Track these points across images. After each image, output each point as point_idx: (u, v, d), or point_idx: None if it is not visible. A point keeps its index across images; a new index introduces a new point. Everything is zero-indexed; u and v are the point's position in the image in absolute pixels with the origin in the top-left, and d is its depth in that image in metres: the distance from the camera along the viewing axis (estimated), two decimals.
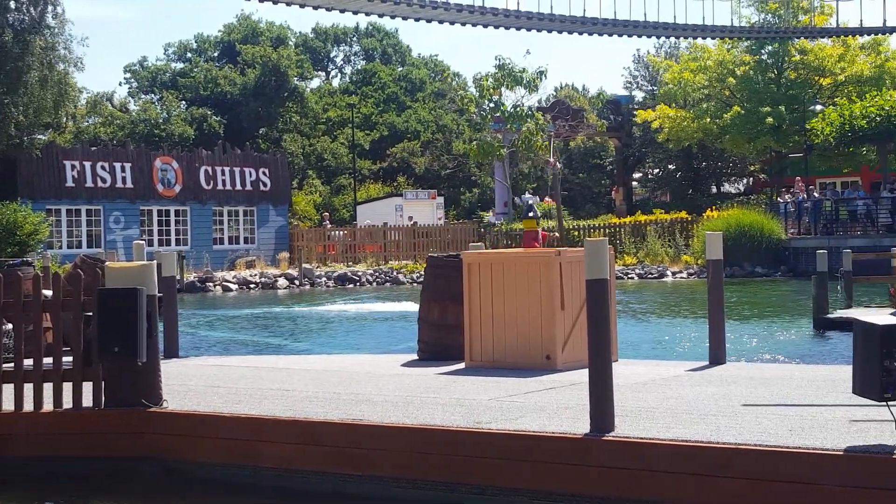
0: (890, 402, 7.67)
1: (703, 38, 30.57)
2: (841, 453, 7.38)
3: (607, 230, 51.85)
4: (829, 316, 22.31)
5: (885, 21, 31.32)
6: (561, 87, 78.10)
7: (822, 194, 49.93)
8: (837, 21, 38.85)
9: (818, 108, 52.80)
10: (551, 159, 31.84)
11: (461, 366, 12.45)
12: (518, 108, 54.55)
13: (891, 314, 7.81)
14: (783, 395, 9.82)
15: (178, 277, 23.14)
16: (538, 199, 34.86)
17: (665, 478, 7.85)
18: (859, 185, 51.93)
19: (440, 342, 13.04)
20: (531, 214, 32.44)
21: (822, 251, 24.03)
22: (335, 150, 73.20)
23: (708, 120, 56.45)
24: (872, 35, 43.31)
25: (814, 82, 57.03)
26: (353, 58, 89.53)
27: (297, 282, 47.15)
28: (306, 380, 11.75)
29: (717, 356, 12.14)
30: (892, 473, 7.18)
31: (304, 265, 48.65)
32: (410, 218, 56.49)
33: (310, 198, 67.91)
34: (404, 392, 10.57)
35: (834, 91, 57.14)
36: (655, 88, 70.19)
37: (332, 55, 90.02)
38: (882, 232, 41.95)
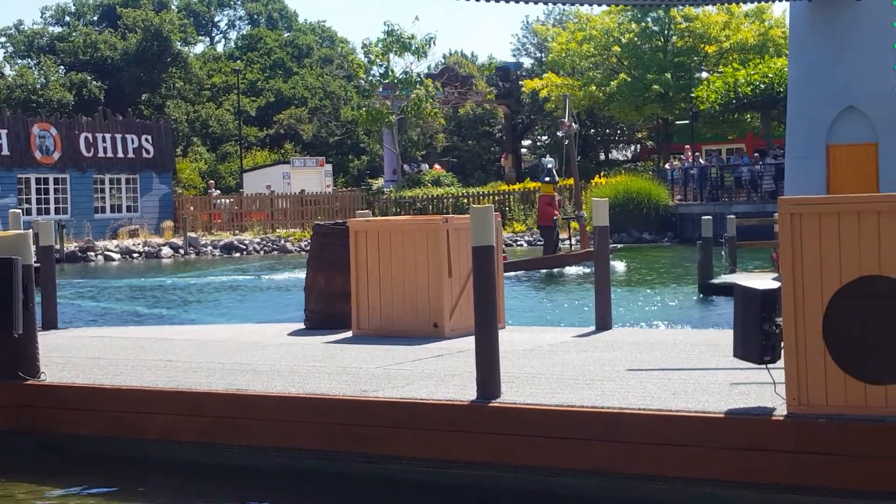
0: (769, 365, 7.77)
1: (591, 5, 30.68)
2: (722, 416, 7.46)
3: (496, 197, 52.04)
4: (714, 281, 22.64)
5: None
6: (450, 54, 78.00)
7: (708, 161, 50.72)
8: None
9: (704, 75, 53.63)
10: (566, 120, 31.28)
11: (349, 334, 12.35)
12: (407, 75, 54.38)
13: (772, 279, 7.89)
14: (668, 359, 9.91)
15: (57, 247, 22.61)
16: (555, 162, 34.53)
17: (551, 443, 7.86)
18: (744, 152, 52.80)
19: (327, 311, 12.92)
20: (548, 179, 32.01)
21: (707, 217, 24.35)
22: (220, 117, 72.22)
23: (595, 88, 56.87)
24: (756, 3, 43.99)
25: (699, 50, 57.76)
26: (237, 22, 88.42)
27: (181, 251, 46.52)
28: (190, 350, 11.54)
29: (603, 322, 12.21)
30: (772, 434, 7.28)
31: (189, 234, 47.99)
32: (302, 191, 55.95)
33: (195, 165, 66.98)
34: (290, 361, 10.45)
35: (719, 59, 57.96)
36: (544, 56, 70.52)
37: (216, 20, 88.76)
38: (766, 198, 42.75)
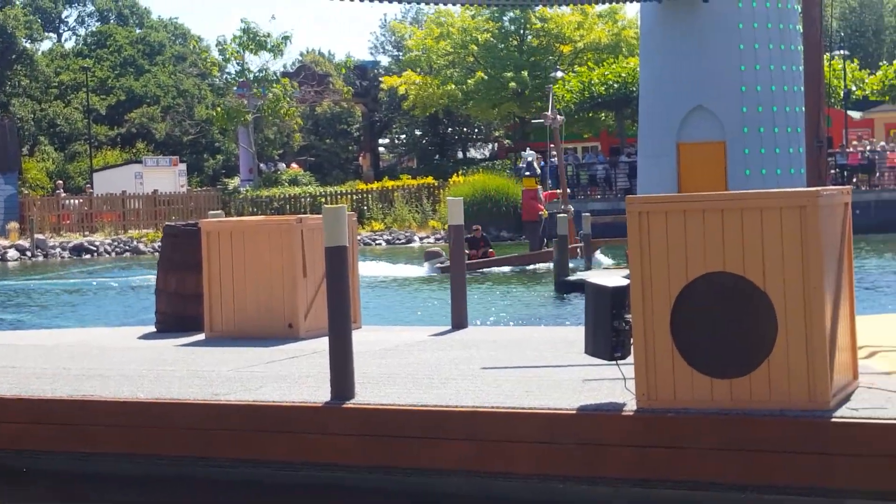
0: (620, 361, 7.87)
1: (445, 4, 30.82)
2: (574, 412, 7.52)
3: (354, 196, 51.90)
4: (570, 278, 22.92)
5: None
6: (307, 52, 77.56)
7: (564, 159, 51.33)
8: None
9: (559, 74, 54.21)
10: (549, 112, 30.83)
11: (201, 337, 12.15)
12: (264, 73, 53.88)
13: (623, 276, 8.00)
14: (522, 357, 9.96)
15: None
16: (537, 155, 34.07)
17: (406, 442, 7.84)
18: (599, 150, 53.66)
19: (179, 313, 12.69)
20: (528, 173, 31.48)
21: (562, 215, 24.67)
22: (69, 116, 70.42)
23: (452, 86, 57.13)
24: (609, 4, 44.75)
25: (555, 49, 58.49)
26: (87, 19, 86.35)
27: (28, 253, 45.29)
28: (35, 356, 11.21)
29: (459, 321, 12.23)
30: (622, 429, 7.38)
31: (36, 236, 46.73)
32: (155, 191, 54.90)
33: (42, 165, 65.22)
34: (139, 365, 10.22)
35: (574, 58, 58.76)
36: (401, 54, 70.60)
37: (64, 16, 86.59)
38: (620, 195, 43.47)
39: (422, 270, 29.81)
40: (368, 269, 27.40)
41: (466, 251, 24.55)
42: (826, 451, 6.93)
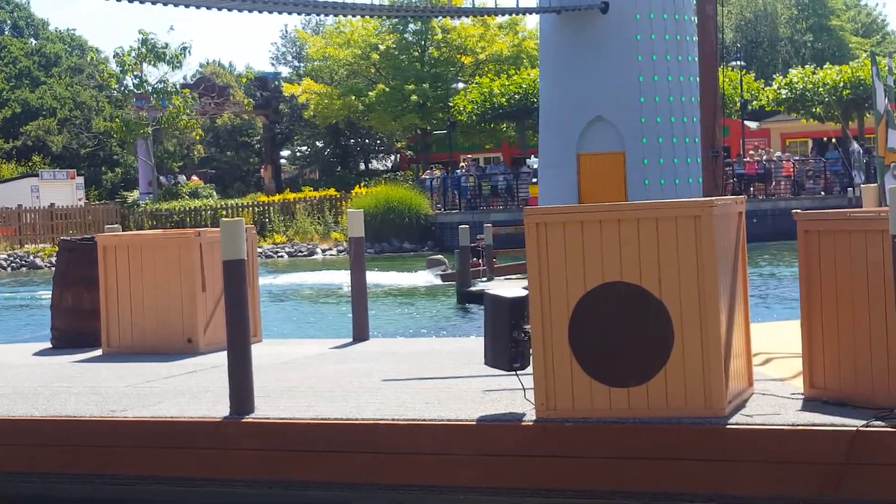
0: (519, 372, 7.91)
1: (345, 15, 30.79)
2: (474, 423, 7.54)
3: (256, 209, 51.54)
4: (472, 289, 22.99)
5: (517, 2, 32.50)
6: (207, 64, 76.88)
7: (466, 170, 51.52)
8: (474, 1, 40.07)
9: (460, 85, 54.47)
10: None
11: (98, 353, 11.95)
12: (163, 85, 53.30)
13: (523, 287, 8.05)
14: (423, 368, 9.96)
15: None
16: (537, 163, 33.36)
17: (306, 456, 7.79)
18: (501, 161, 53.95)
19: (75, 329, 12.47)
20: (535, 180, 30.82)
21: (464, 226, 24.74)
22: None
23: (354, 97, 57.02)
24: (509, 15, 45.09)
25: (456, 60, 58.69)
26: None
27: None
28: None
29: (360, 333, 12.19)
30: (522, 439, 7.41)
31: None
32: (52, 205, 53.90)
33: None
34: (34, 382, 10.02)
35: (475, 69, 59.02)
36: (303, 65, 70.32)
37: None
38: (522, 206, 43.69)
39: (424, 278, 29.75)
40: (373, 279, 27.15)
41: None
42: (722, 457, 7.02)
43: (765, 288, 23.95)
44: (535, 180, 31.31)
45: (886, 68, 12.89)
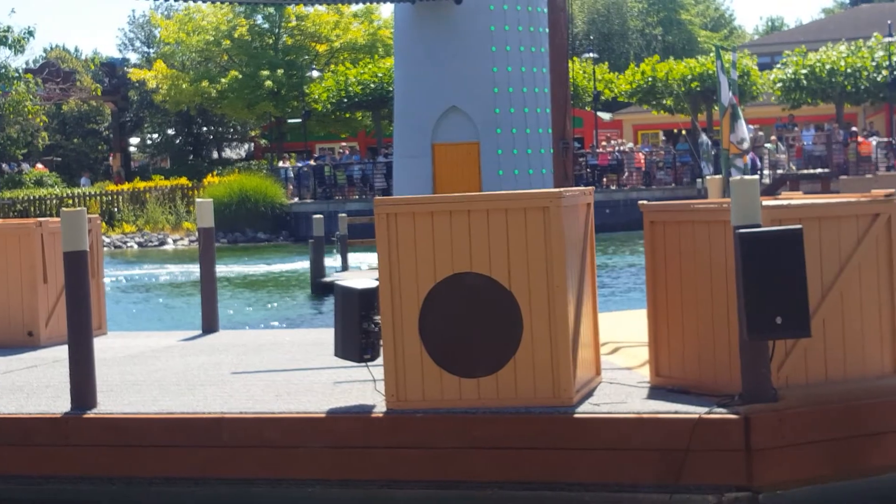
0: (370, 363, 7.86)
1: (196, 1, 30.29)
2: (324, 415, 7.47)
3: (104, 198, 50.41)
4: (325, 279, 22.84)
5: None
6: (52, 48, 74.80)
7: (321, 160, 51.20)
8: None
9: (315, 74, 54.01)
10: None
11: None
12: (5, 70, 51.67)
13: (374, 278, 8.00)
14: (273, 360, 9.85)
15: None
16: None
17: (150, 452, 7.63)
18: (356, 150, 53.71)
19: None
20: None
21: (318, 216, 24.57)
22: None
23: (206, 83, 56.07)
24: (364, 4, 44.93)
25: (311, 48, 58.18)
26: None
27: None
28: None
29: (210, 324, 12.01)
30: (371, 431, 7.37)
31: None
32: None
33: None
34: None
35: (330, 57, 58.63)
36: (153, 50, 68.97)
37: None
38: (378, 195, 43.58)
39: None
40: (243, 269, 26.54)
41: None
42: (569, 445, 7.09)
43: (616, 277, 24.32)
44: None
45: (730, 62, 13.16)
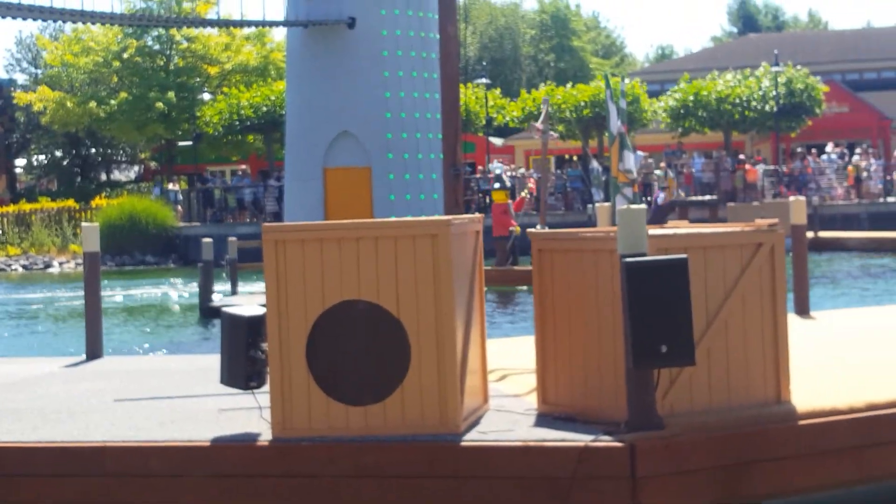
0: (256, 391, 7.77)
1: (84, 23, 29.89)
2: (208, 444, 7.35)
3: None
4: (214, 304, 22.55)
5: (264, 15, 32.29)
6: None
7: (212, 182, 50.76)
8: (219, 13, 39.58)
9: (206, 96, 53.55)
10: (539, 124, 27.77)
11: None
12: None
13: (261, 304, 7.92)
14: (159, 387, 9.68)
15: None
16: (505, 167, 30.61)
17: (29, 482, 7.43)
18: (248, 173, 53.32)
19: None
20: (497, 185, 28.83)
21: (207, 240, 24.29)
22: None
23: (94, 105, 55.16)
24: (255, 27, 44.70)
25: (202, 70, 57.65)
26: None
27: None
28: None
29: (94, 350, 11.78)
30: (256, 459, 7.27)
31: None
32: None
33: None
34: None
35: (222, 80, 58.17)
36: (40, 71, 67.73)
37: None
38: (269, 219, 43.31)
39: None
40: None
41: None
42: (456, 474, 7.07)
43: (506, 303, 24.46)
44: (497, 185, 30.03)
45: (619, 91, 13.36)
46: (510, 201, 29.50)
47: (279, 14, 31.27)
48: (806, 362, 9.11)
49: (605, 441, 6.97)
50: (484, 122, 52.12)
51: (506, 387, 8.96)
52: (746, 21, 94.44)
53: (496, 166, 34.93)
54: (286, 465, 7.22)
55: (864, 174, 43.74)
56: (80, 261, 44.12)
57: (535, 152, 60.16)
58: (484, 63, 66.45)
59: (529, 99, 51.55)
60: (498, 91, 58.44)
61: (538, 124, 27.34)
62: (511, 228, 28.04)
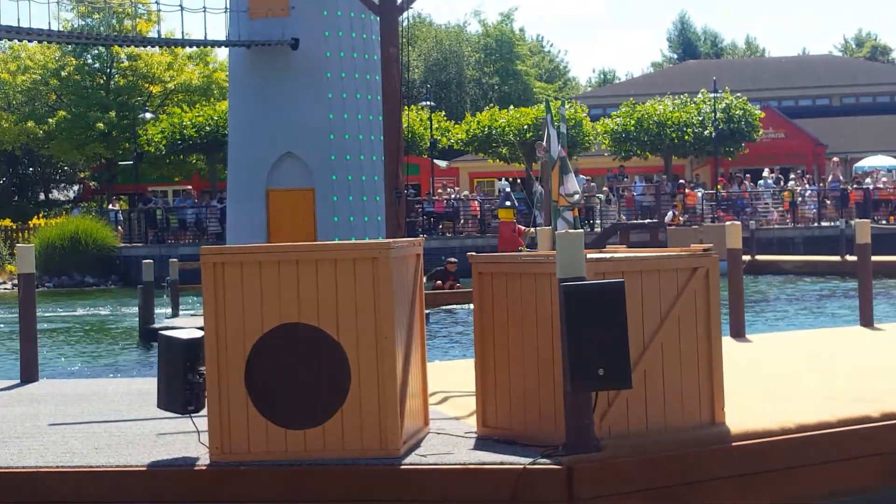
0: (194, 415, 7.72)
1: (21, 40, 29.61)
2: (145, 469, 7.29)
3: None
4: (155, 326, 22.32)
5: (206, 35, 32.15)
6: None
7: (153, 202, 50.33)
8: (160, 31, 39.35)
9: (148, 115, 53.19)
10: (544, 143, 27.21)
11: None
12: None
13: (199, 328, 7.88)
14: (95, 411, 9.59)
15: None
16: (517, 182, 29.48)
17: None
18: (190, 194, 52.98)
19: None
20: (508, 203, 28.09)
21: (147, 261, 24.06)
22: None
23: (32, 123, 54.54)
24: (197, 47, 44.48)
25: (144, 89, 57.27)
26: None
27: None
28: None
29: (29, 373, 11.63)
30: (194, 484, 7.23)
31: None
32: None
33: None
34: None
35: (164, 99, 57.82)
36: None
37: None
38: (211, 240, 43.03)
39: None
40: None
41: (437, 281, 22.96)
42: (395, 497, 7.07)
43: (449, 326, 24.46)
44: (508, 203, 29.50)
45: (559, 115, 13.44)
46: (515, 219, 29.10)
47: (221, 34, 31.17)
48: (741, 385, 9.22)
49: (544, 464, 7.00)
50: (429, 144, 52.20)
51: (447, 409, 8.98)
52: (686, 47, 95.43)
53: (504, 184, 34.74)
54: (225, 489, 7.19)
55: (799, 199, 44.32)
56: (16, 282, 43.56)
57: (479, 175, 60.40)
58: (429, 86, 66.58)
59: (474, 122, 51.69)
60: (443, 114, 58.58)
61: (543, 143, 27.44)
62: (521, 248, 28.03)
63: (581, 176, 34.22)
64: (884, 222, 41.23)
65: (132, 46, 50.07)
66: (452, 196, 47.55)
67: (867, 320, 14.63)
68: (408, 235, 10.41)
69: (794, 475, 7.76)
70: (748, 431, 7.74)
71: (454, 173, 60.84)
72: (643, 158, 50.94)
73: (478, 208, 46.20)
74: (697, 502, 7.40)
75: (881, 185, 44.66)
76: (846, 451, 7.99)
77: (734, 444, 7.62)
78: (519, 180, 51.42)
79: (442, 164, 60.23)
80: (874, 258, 15.39)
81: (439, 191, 49.25)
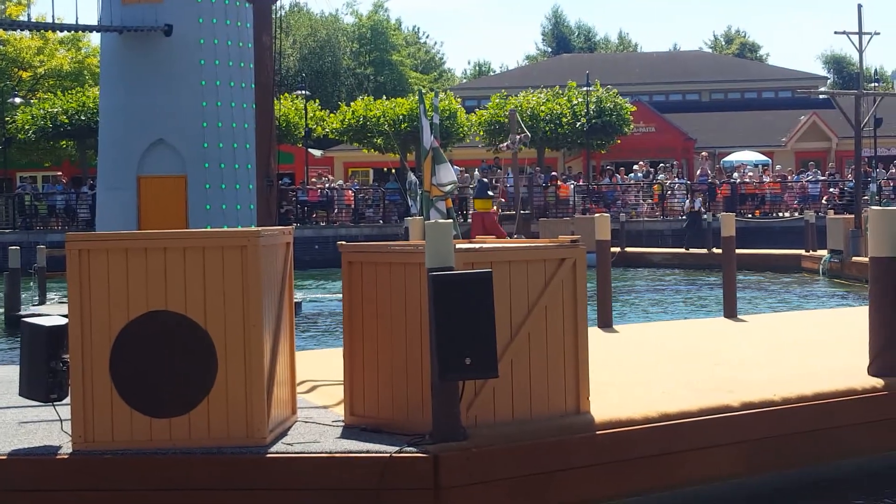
0: (57, 403, 7.61)
1: None
2: (5, 457, 7.17)
3: None
4: (21, 314, 21.89)
5: (77, 19, 31.52)
6: None
7: (22, 188, 49.22)
8: (30, 15, 38.47)
9: (18, 101, 51.96)
10: (518, 135, 26.18)
11: None
12: None
13: (62, 315, 7.77)
14: None
15: None
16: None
17: None
18: (60, 180, 51.89)
19: None
20: (490, 193, 27.00)
21: (15, 247, 23.63)
22: None
23: None
24: (68, 32, 43.58)
25: (13, 74, 55.93)
26: None
27: None
28: None
29: None
30: (55, 473, 7.13)
31: None
32: None
33: None
34: None
35: (34, 84, 56.55)
36: None
37: None
38: (82, 227, 42.22)
39: None
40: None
41: None
42: (261, 486, 7.06)
43: (322, 314, 24.40)
44: (491, 193, 28.91)
45: (433, 106, 13.51)
46: (496, 209, 29.08)
47: (94, 19, 30.58)
48: (606, 374, 9.40)
49: (410, 452, 7.06)
50: (303, 133, 51.94)
51: (315, 398, 8.98)
52: (560, 41, 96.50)
53: (476, 174, 34.58)
54: (88, 479, 7.10)
55: (668, 192, 45.17)
56: None
57: (354, 165, 60.33)
58: (304, 75, 66.23)
59: (349, 111, 51.57)
60: (317, 103, 58.30)
61: (517, 136, 28.03)
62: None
63: (455, 167, 34.37)
64: (749, 216, 42.30)
65: (1, 30, 48.84)
66: (326, 185, 47.41)
67: (731, 312, 15.02)
68: (280, 224, 10.35)
69: (658, 463, 7.94)
70: (612, 420, 7.90)
71: (329, 163, 60.65)
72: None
73: (352, 198, 46.15)
74: (562, 490, 7.53)
75: (747, 180, 45.77)
76: (708, 440, 8.20)
77: (598, 432, 7.77)
78: (393, 170, 51.48)
79: (317, 153, 59.97)
80: (739, 251, 15.79)
81: (313, 180, 49.07)
